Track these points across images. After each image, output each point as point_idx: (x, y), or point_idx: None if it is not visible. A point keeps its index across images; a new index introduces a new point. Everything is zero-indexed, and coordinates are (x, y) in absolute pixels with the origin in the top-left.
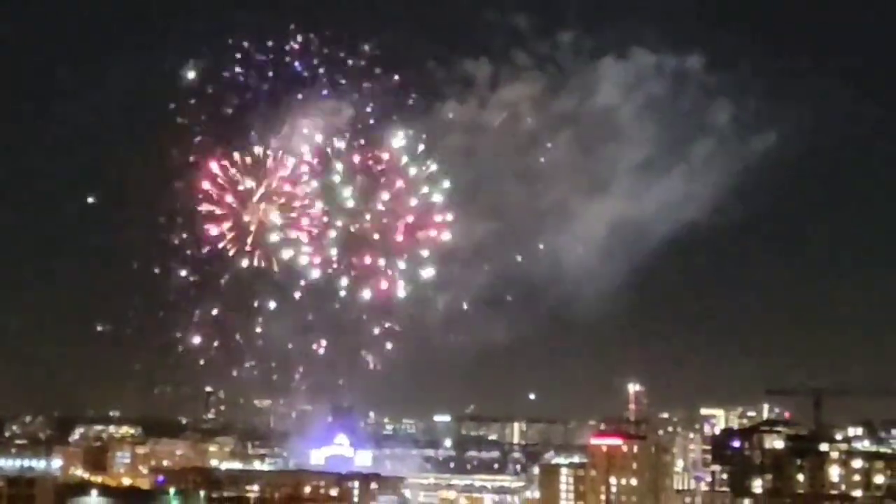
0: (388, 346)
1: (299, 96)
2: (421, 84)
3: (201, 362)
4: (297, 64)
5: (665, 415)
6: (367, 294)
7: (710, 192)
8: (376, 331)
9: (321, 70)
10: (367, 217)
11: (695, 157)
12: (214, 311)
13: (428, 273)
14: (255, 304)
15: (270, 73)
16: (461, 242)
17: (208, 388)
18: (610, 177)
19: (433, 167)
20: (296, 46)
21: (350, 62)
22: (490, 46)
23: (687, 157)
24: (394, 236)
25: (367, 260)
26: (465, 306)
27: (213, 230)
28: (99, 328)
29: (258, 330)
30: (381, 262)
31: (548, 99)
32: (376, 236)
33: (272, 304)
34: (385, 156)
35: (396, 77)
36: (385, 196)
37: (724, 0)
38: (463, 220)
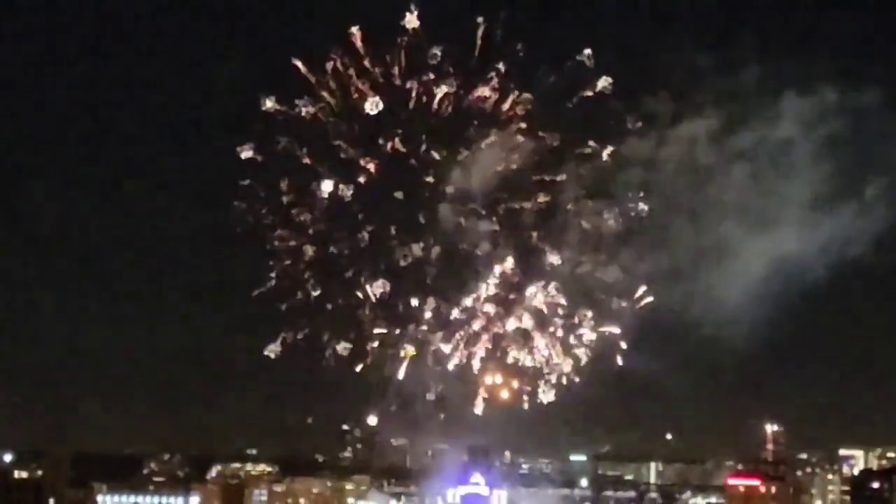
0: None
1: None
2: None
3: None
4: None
5: (803, 455)
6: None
7: (878, 229)
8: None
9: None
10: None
11: (866, 195)
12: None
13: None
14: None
15: None
16: (619, 276)
17: (345, 426)
18: (777, 214)
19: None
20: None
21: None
22: (670, 83)
23: (857, 194)
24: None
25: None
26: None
27: None
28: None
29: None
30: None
31: (726, 135)
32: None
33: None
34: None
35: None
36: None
37: None
38: (628, 254)
